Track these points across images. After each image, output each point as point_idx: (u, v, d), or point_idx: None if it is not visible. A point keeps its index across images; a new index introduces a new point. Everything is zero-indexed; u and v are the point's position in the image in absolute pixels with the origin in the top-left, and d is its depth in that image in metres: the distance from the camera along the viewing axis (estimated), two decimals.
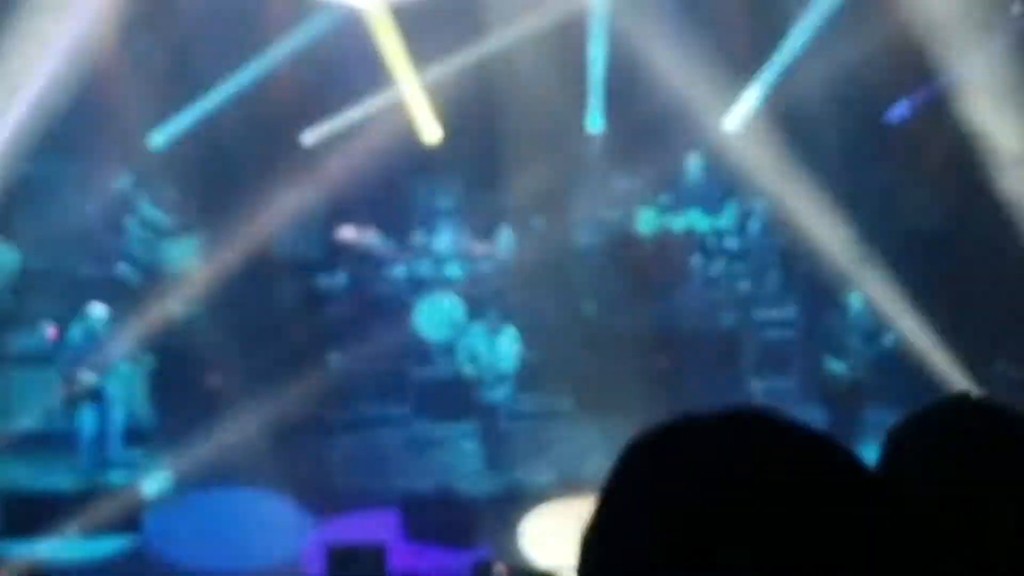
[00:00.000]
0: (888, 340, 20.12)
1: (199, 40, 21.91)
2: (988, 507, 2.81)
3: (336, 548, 17.53)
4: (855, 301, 20.33)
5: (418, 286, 22.12)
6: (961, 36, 20.28)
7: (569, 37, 22.61)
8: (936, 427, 3.01)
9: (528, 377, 21.02)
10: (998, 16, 20.73)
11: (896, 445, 3.01)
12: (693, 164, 23.04)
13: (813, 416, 20.92)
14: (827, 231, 20.75)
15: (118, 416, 20.10)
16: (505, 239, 22.69)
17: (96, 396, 19.82)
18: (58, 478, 19.11)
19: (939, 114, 21.07)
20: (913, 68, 21.01)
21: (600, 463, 20.62)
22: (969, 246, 21.34)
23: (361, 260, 22.44)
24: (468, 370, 20.38)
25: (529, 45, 22.52)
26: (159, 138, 22.19)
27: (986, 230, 20.83)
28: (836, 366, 20.20)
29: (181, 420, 19.70)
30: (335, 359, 21.46)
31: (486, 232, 22.73)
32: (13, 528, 17.87)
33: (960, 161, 20.79)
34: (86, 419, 19.86)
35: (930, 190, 22.04)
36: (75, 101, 20.31)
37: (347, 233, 22.47)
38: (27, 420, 19.50)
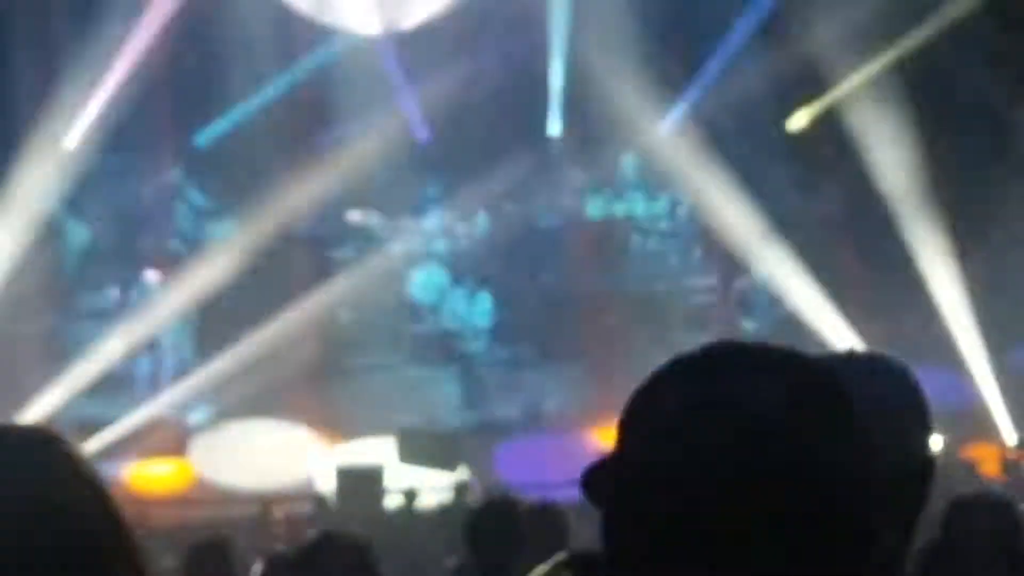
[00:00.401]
0: (787, 304, 20.07)
1: (236, 57, 21.73)
2: None
3: (343, 468, 17.50)
4: (761, 271, 20.28)
5: (410, 258, 22.01)
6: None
7: (534, 57, 22.51)
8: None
9: (500, 332, 20.96)
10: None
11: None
12: (629, 161, 22.93)
13: None
14: (739, 215, 20.63)
15: (168, 362, 20.02)
16: (482, 221, 22.57)
17: (150, 345, 19.74)
18: (118, 411, 18.95)
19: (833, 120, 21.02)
20: (811, 82, 20.91)
21: (558, 401, 20.71)
22: (855, 229, 21.30)
23: (365, 237, 22.37)
24: (451, 326, 20.30)
25: (501, 63, 22.44)
26: (203, 138, 22.02)
27: (869, 217, 20.80)
28: (748, 324, 20.16)
29: (219, 364, 19.50)
30: (344, 316, 21.30)
31: (466, 215, 22.59)
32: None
33: (848, 159, 20.75)
34: (141, 364, 19.80)
35: (824, 183, 22.00)
36: (136, 105, 20.15)
37: (354, 215, 22.36)
38: (94, 364, 19.29)
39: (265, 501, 16.33)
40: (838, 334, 19.66)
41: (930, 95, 20.37)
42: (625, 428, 1.65)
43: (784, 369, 1.65)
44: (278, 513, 16.38)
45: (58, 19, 20.15)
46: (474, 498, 16.55)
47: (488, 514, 6.59)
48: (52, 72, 19.48)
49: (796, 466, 1.56)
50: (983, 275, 20.02)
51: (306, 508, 17.00)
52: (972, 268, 19.95)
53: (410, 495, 16.57)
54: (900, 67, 20.78)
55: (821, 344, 19.72)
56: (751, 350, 1.67)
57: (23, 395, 18.80)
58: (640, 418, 1.64)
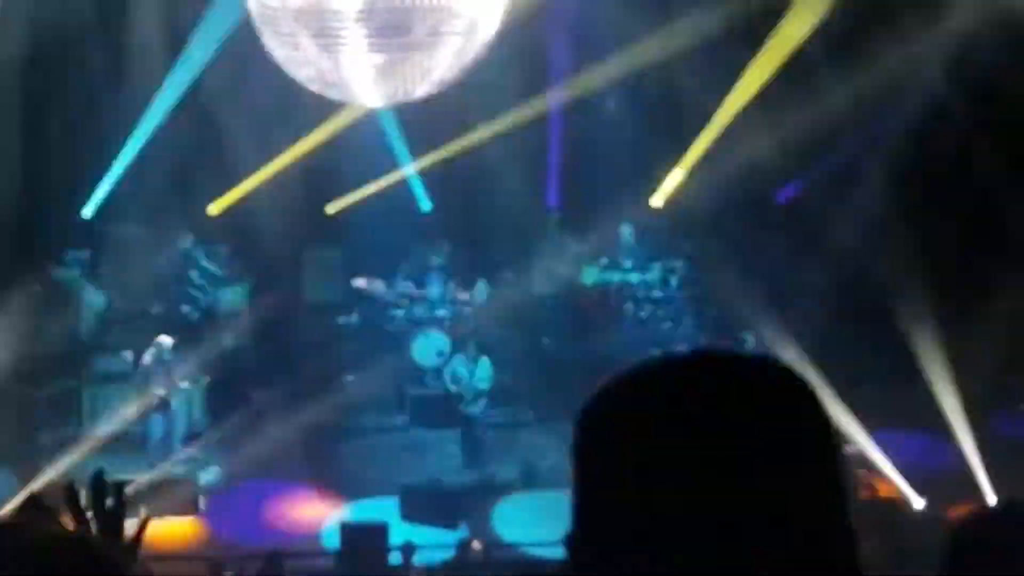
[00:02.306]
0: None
1: (245, 130, 22.06)
2: None
3: (348, 526, 17.75)
4: (748, 339, 20.52)
5: (414, 324, 22.24)
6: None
7: (533, 133, 22.88)
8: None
9: (499, 395, 21.09)
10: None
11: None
12: (625, 231, 23.37)
13: None
14: (730, 286, 20.97)
15: (180, 423, 20.19)
16: (481, 289, 22.90)
17: (163, 407, 20.00)
18: (132, 470, 19.09)
19: (821, 196, 21.36)
20: (799, 158, 21.23)
21: (554, 463, 20.92)
22: (839, 291, 21.57)
23: (370, 304, 22.75)
24: (452, 389, 20.50)
25: (502, 138, 22.83)
26: (214, 207, 22.37)
27: (851, 277, 21.12)
28: None
29: (229, 426, 19.82)
30: (350, 380, 21.56)
31: (467, 283, 22.92)
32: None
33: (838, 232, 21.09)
34: (155, 425, 20.02)
35: (813, 256, 22.31)
36: (151, 175, 20.45)
37: (359, 282, 22.65)
38: (109, 425, 19.49)
39: (273, 557, 16.62)
40: (826, 398, 19.86)
41: (915, 172, 20.84)
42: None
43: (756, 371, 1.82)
44: (286, 569, 16.67)
45: (79, 94, 20.48)
46: (475, 555, 17.01)
47: None
48: (74, 143, 19.79)
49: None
50: (965, 344, 20.34)
51: (313, 564, 17.34)
52: (955, 338, 20.28)
53: (408, 550, 16.91)
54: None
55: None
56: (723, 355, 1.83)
57: (40, 455, 19.08)
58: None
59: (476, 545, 17.24)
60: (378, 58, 13.32)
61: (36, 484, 18.18)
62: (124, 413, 19.50)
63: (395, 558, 17.10)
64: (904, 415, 20.82)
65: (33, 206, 19.89)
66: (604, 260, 23.42)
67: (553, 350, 22.78)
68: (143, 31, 20.78)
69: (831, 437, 1.87)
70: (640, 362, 1.88)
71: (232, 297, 22.20)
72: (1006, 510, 2.62)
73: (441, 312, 22.50)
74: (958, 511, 18.48)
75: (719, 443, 1.75)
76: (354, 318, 22.45)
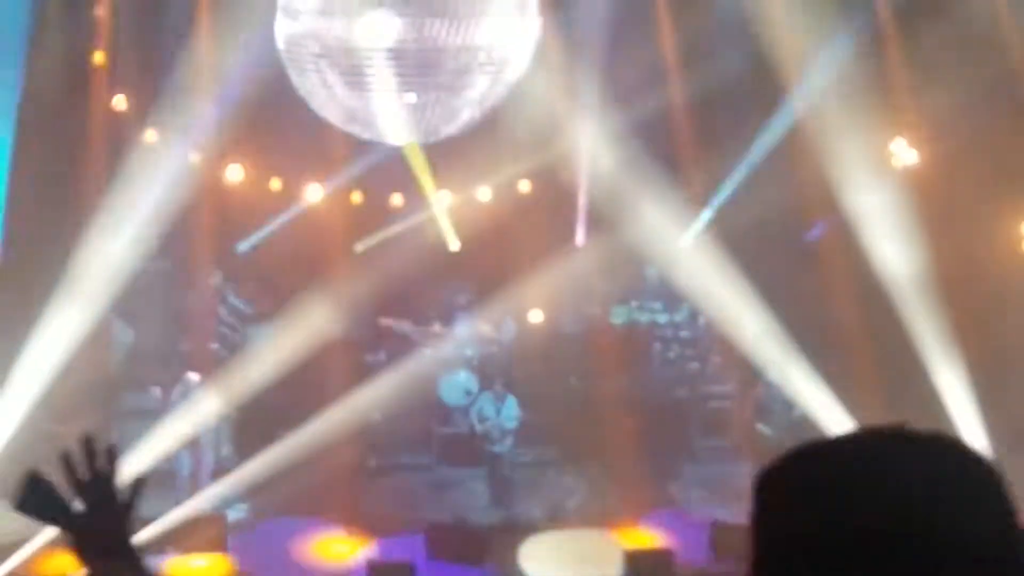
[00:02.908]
0: (800, 411, 20.27)
1: (274, 168, 22.16)
2: None
3: (375, 564, 17.80)
4: (774, 379, 20.48)
5: (441, 363, 22.33)
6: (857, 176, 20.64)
7: (561, 172, 22.93)
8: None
9: (525, 434, 21.07)
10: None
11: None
12: (652, 273, 23.34)
13: (744, 470, 21.21)
14: (757, 325, 20.94)
15: (208, 459, 20.29)
16: (508, 328, 22.99)
17: (191, 443, 20.01)
18: (159, 507, 19.19)
19: (845, 235, 21.33)
20: (825, 198, 21.21)
21: (580, 501, 20.93)
22: (869, 338, 21.54)
23: (398, 342, 22.76)
24: (479, 428, 20.49)
25: (531, 176, 22.89)
26: (243, 245, 22.46)
27: (882, 326, 21.07)
28: (765, 429, 20.34)
29: (257, 463, 19.75)
30: (377, 418, 21.54)
31: (494, 322, 23.02)
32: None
33: (862, 271, 21.07)
34: (183, 461, 20.07)
35: (837, 293, 22.28)
36: (179, 216, 20.52)
37: (387, 321, 22.68)
38: (138, 461, 19.46)
39: None
40: None
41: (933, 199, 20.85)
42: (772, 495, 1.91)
43: (932, 448, 1.88)
44: None
45: (113, 132, 20.59)
46: None
47: None
48: (105, 180, 19.87)
49: (942, 539, 1.76)
50: (988, 380, 20.29)
51: None
52: (978, 373, 20.23)
53: None
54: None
55: None
56: (902, 433, 1.90)
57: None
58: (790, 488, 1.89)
59: None
60: (406, 97, 13.39)
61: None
62: (152, 449, 19.45)
63: None
64: None
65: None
66: (632, 300, 23.46)
67: (580, 389, 22.74)
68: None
69: (1011, 516, 1.88)
70: (825, 439, 1.98)
71: (260, 334, 22.20)
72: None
73: (468, 351, 22.45)
74: None
75: (900, 519, 1.81)
76: (381, 356, 22.44)
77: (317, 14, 13.27)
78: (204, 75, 20.00)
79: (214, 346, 22.17)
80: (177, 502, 19.37)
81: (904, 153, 22.03)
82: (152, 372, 21.61)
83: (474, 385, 21.75)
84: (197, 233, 21.26)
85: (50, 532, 17.82)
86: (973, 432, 19.90)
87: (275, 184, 22.13)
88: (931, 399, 20.37)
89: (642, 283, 23.50)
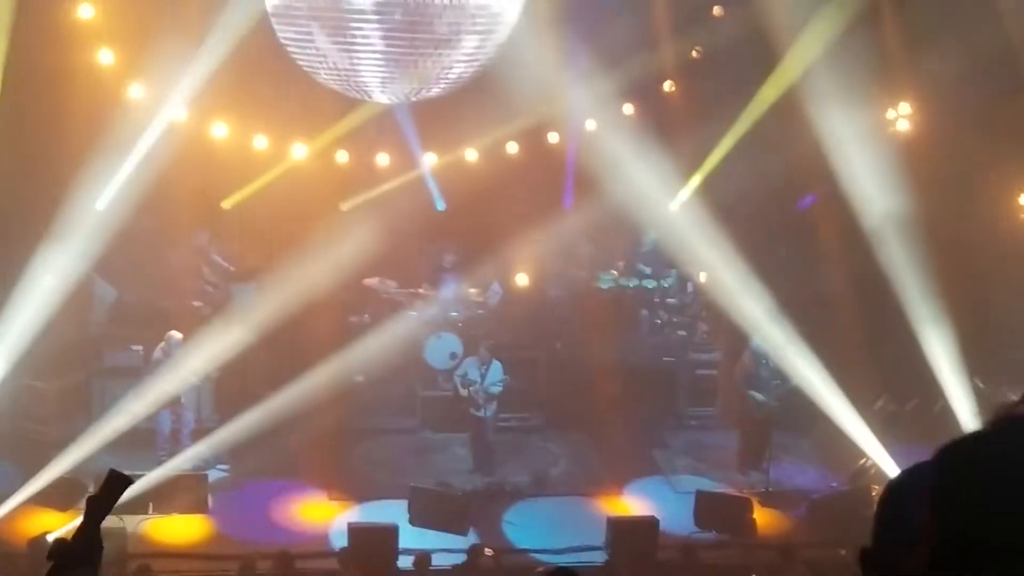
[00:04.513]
0: (791, 380, 20.30)
1: (261, 126, 22.04)
2: None
3: (357, 528, 17.79)
4: (760, 347, 20.47)
5: (426, 326, 22.24)
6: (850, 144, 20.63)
7: (550, 134, 22.89)
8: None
9: (510, 399, 20.96)
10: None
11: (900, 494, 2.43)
12: (650, 237, 23.34)
13: (731, 438, 21.26)
14: (745, 292, 20.93)
15: (189, 418, 20.22)
16: (495, 291, 22.93)
17: (173, 403, 19.97)
18: (140, 466, 18.99)
19: (835, 202, 21.34)
20: (817, 167, 21.21)
21: (564, 468, 20.95)
22: (859, 307, 21.57)
23: (382, 303, 22.68)
24: (463, 392, 20.45)
25: (520, 138, 22.80)
26: (228, 202, 22.32)
27: (872, 294, 21.10)
28: (758, 396, 20.32)
29: (238, 424, 19.63)
30: (360, 380, 21.47)
31: (480, 285, 22.95)
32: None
33: (850, 238, 21.09)
34: (164, 420, 19.99)
35: (828, 261, 22.29)
36: (164, 173, 20.43)
37: (371, 282, 22.62)
38: (119, 419, 19.43)
39: (282, 557, 16.62)
40: (842, 411, 19.95)
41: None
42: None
43: None
44: (295, 570, 16.69)
45: (98, 87, 20.47)
46: (486, 561, 16.97)
47: None
48: (90, 136, 19.77)
49: None
50: (979, 350, 20.36)
51: (321, 565, 17.32)
52: (969, 343, 20.28)
53: (423, 559, 16.91)
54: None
55: (825, 420, 20.06)
56: None
57: (48, 450, 19.06)
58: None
59: (487, 551, 17.22)
60: (394, 55, 13.29)
61: (43, 479, 18.23)
62: (133, 408, 19.42)
63: (404, 562, 17.09)
64: (921, 431, 20.80)
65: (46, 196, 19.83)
66: (620, 265, 23.44)
67: (566, 355, 22.69)
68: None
69: None
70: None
71: (243, 293, 22.13)
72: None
73: (454, 314, 22.42)
74: None
75: None
76: (366, 317, 22.39)
77: None
78: (190, 31, 19.86)
79: (197, 304, 22.04)
80: (158, 462, 19.37)
81: (899, 122, 22.04)
82: (134, 330, 21.50)
83: (459, 348, 21.67)
84: (182, 191, 21.16)
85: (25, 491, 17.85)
86: (961, 403, 19.98)
87: (261, 142, 22.00)
88: (922, 369, 20.43)
89: (635, 248, 23.41)
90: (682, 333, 23.18)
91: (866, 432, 19.93)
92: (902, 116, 22.19)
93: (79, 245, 19.87)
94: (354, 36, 13.20)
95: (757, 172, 20.91)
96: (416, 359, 21.95)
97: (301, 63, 13.94)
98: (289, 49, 13.82)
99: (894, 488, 2.27)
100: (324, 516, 18.97)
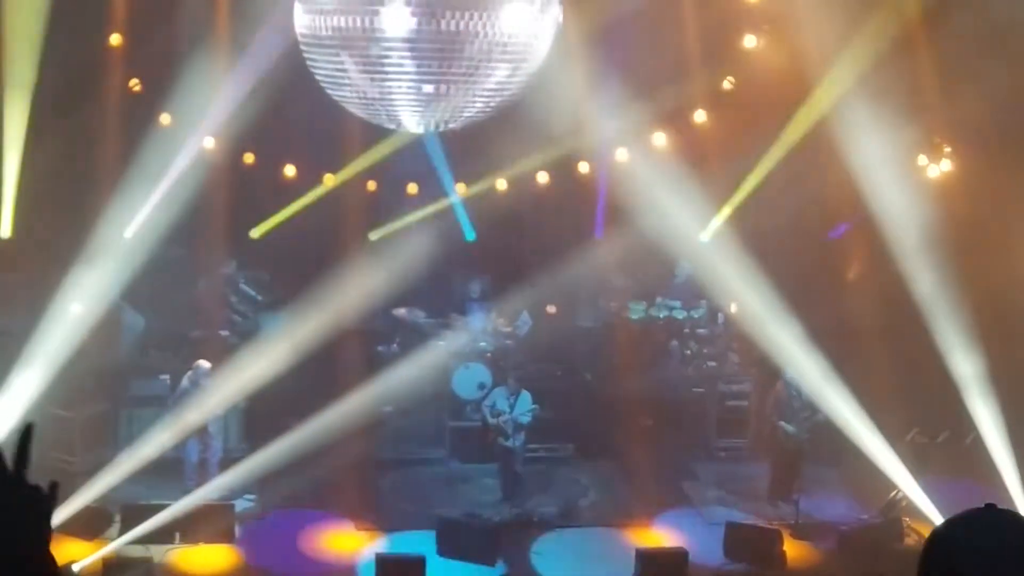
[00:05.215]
0: (823, 411, 20.22)
1: (290, 155, 22.11)
2: None
3: (384, 559, 17.75)
4: (793, 378, 20.42)
5: (455, 356, 22.21)
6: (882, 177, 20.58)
7: (581, 164, 22.88)
8: (990, 532, 2.68)
9: (539, 430, 20.90)
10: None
11: (951, 545, 2.67)
12: (683, 268, 23.28)
13: (761, 469, 21.18)
14: (775, 323, 20.85)
15: (217, 448, 20.22)
16: (524, 321, 22.89)
17: (200, 432, 19.99)
18: (167, 495, 19.03)
19: (867, 232, 21.31)
20: (849, 198, 21.17)
21: (593, 499, 20.88)
22: (890, 338, 21.50)
23: (411, 333, 22.67)
24: (492, 423, 20.42)
25: (550, 167, 22.80)
26: (256, 231, 22.35)
27: (901, 326, 21.04)
28: (789, 428, 20.26)
29: (266, 453, 19.57)
30: (388, 410, 21.45)
31: (509, 315, 22.93)
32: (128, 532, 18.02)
33: (882, 268, 21.04)
34: (191, 449, 20.02)
35: (859, 292, 22.25)
36: (193, 202, 20.50)
37: (400, 312, 22.63)
38: (146, 448, 19.44)
39: None
40: (873, 443, 19.87)
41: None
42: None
43: None
44: None
45: (125, 116, 20.57)
46: None
47: None
48: (119, 165, 19.86)
49: None
50: (1012, 388, 20.23)
51: None
52: (1002, 381, 20.17)
53: None
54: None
55: (856, 452, 19.96)
56: None
57: (74, 479, 19.06)
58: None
59: None
60: (424, 84, 13.31)
61: (69, 509, 18.22)
62: (160, 437, 19.44)
63: None
64: (952, 465, 20.71)
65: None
66: (651, 296, 23.40)
67: (596, 385, 22.64)
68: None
69: None
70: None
71: (271, 322, 22.16)
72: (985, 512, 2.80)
73: (483, 344, 22.41)
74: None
75: None
76: (394, 347, 22.39)
77: (336, 2, 13.20)
78: (220, 59, 19.95)
79: (225, 334, 22.08)
80: (185, 491, 19.38)
81: (933, 158, 21.94)
82: (162, 359, 21.59)
83: (488, 378, 21.69)
84: (210, 219, 21.25)
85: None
86: (994, 439, 19.86)
87: (290, 171, 22.05)
88: (952, 403, 20.34)
89: (668, 279, 23.37)
90: (712, 364, 23.14)
91: (897, 464, 19.83)
92: (937, 154, 22.10)
93: (108, 273, 19.93)
94: (384, 65, 13.21)
95: (789, 202, 20.91)
96: (444, 389, 21.94)
97: (331, 92, 13.97)
98: (319, 78, 13.85)
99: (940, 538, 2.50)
100: (351, 547, 18.91)
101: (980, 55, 19.96)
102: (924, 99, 20.87)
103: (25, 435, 2.74)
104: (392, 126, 14.78)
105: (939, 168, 21.88)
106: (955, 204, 20.83)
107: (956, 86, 20.44)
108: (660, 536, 19.58)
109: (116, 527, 18.42)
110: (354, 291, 21.00)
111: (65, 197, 20.34)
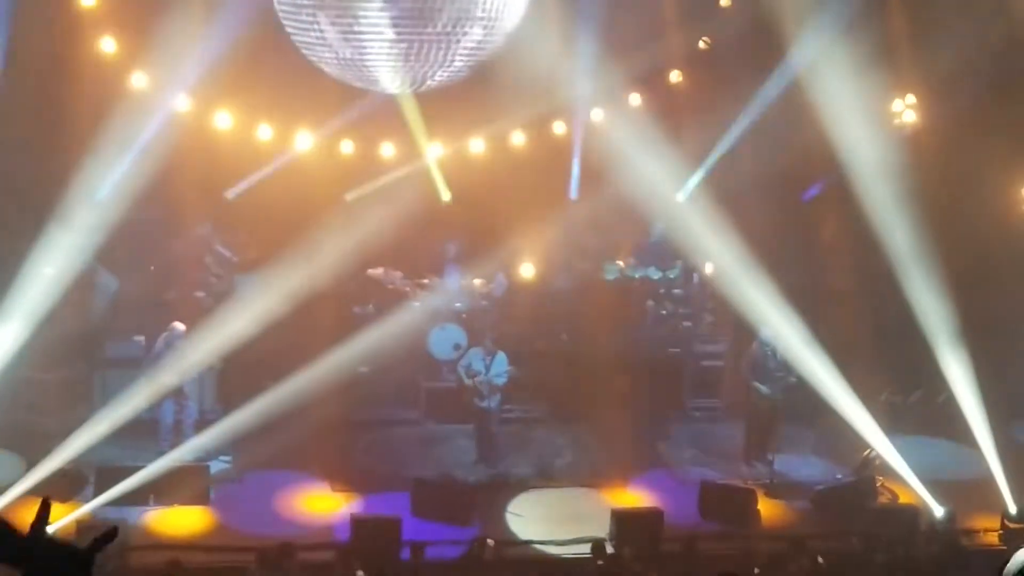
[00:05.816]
0: (796, 372, 20.31)
1: (265, 115, 22.01)
2: None
3: (360, 520, 17.81)
4: (768, 338, 20.48)
5: (430, 316, 22.21)
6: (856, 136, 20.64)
7: (556, 125, 22.83)
8: None
9: (514, 390, 20.97)
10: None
11: None
12: (658, 228, 23.29)
13: (736, 429, 21.27)
14: (750, 283, 20.89)
15: (192, 409, 20.20)
16: (500, 282, 22.90)
17: (175, 394, 19.98)
18: (142, 457, 18.99)
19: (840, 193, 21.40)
20: (823, 158, 21.23)
21: (569, 459, 20.93)
22: (863, 298, 21.61)
23: (387, 294, 22.66)
24: (468, 383, 20.47)
25: (526, 128, 22.75)
26: (232, 193, 22.26)
27: (875, 285, 21.14)
28: (763, 388, 20.34)
29: (241, 415, 19.47)
30: (363, 371, 21.41)
31: (485, 276, 22.92)
32: (102, 495, 18.04)
33: (854, 228, 21.13)
34: (166, 411, 20.01)
35: (832, 252, 22.34)
36: (167, 163, 20.42)
37: (376, 272, 22.61)
38: (120, 410, 19.40)
39: (284, 548, 16.55)
40: (847, 403, 19.96)
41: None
42: None
43: None
44: (297, 561, 16.63)
45: (100, 76, 20.47)
46: (488, 552, 16.96)
47: None
48: (92, 126, 19.76)
49: None
50: (987, 352, 20.34)
51: (324, 556, 17.28)
52: (976, 344, 20.28)
53: (418, 549, 16.92)
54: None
55: (830, 411, 20.06)
56: None
57: (49, 441, 19.03)
58: None
59: (489, 543, 17.19)
60: (399, 45, 13.30)
61: (43, 471, 18.22)
62: (135, 399, 19.41)
63: (408, 554, 17.10)
64: (925, 424, 20.85)
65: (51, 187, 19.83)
66: (626, 256, 23.41)
67: (571, 346, 22.69)
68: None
69: None
70: None
71: (246, 284, 22.10)
72: None
73: (458, 305, 22.41)
74: (980, 520, 18.55)
75: None
76: (370, 308, 22.37)
77: None
78: (194, 19, 19.84)
79: (200, 295, 22.00)
80: (160, 453, 19.40)
81: (905, 113, 22.04)
82: (136, 321, 21.53)
83: (463, 339, 21.71)
84: (185, 180, 21.17)
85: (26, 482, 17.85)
86: (969, 398, 19.98)
87: (265, 132, 21.98)
88: (926, 363, 20.47)
89: (643, 238, 23.37)
90: (687, 324, 23.19)
91: (871, 423, 19.94)
92: (908, 107, 22.20)
93: (81, 235, 19.86)
94: (360, 25, 13.19)
95: (763, 162, 20.95)
96: (420, 350, 21.96)
97: (306, 52, 13.95)
98: (294, 38, 13.82)
99: None
100: (327, 508, 18.98)
101: (951, 12, 20.07)
102: (896, 56, 20.93)
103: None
104: (367, 86, 14.75)
105: (913, 114, 22.00)
106: (927, 155, 20.92)
107: (928, 43, 20.51)
108: (635, 496, 19.66)
109: (90, 489, 18.42)
110: (330, 252, 20.94)
111: (37, 159, 20.25)
